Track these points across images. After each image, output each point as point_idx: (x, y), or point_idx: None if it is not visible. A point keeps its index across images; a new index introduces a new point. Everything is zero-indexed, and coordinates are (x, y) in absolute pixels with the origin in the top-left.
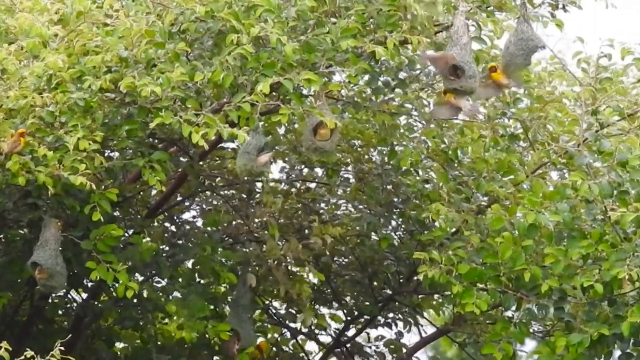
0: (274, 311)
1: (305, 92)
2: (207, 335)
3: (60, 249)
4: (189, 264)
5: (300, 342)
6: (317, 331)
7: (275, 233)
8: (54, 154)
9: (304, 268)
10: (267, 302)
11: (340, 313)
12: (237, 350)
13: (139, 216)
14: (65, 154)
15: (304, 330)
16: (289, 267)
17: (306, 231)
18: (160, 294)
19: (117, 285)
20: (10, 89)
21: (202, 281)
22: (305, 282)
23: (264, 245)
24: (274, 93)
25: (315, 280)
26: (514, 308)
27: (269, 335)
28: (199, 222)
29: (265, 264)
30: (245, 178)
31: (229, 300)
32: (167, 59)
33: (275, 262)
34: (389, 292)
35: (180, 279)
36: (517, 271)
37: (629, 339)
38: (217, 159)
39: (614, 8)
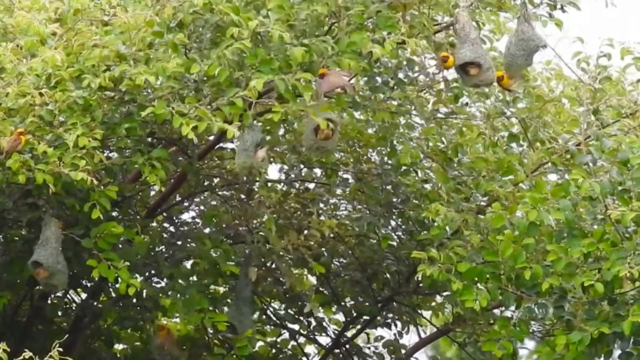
0: (272, 312)
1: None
2: (206, 337)
3: (61, 248)
4: (189, 264)
5: (300, 346)
6: (317, 332)
7: (272, 227)
8: (54, 151)
9: (303, 269)
10: (266, 303)
11: (339, 317)
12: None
13: (138, 216)
14: (65, 152)
15: (308, 320)
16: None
17: (305, 231)
18: (160, 294)
19: (117, 284)
20: (9, 85)
21: (202, 282)
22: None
23: (261, 246)
24: (272, 92)
25: (315, 281)
26: (513, 307)
27: (268, 339)
28: (199, 223)
29: (268, 259)
30: (245, 178)
31: (229, 301)
32: (164, 50)
33: (276, 256)
34: (388, 292)
35: (180, 280)
36: (518, 269)
37: (629, 338)
38: (216, 159)
39: (614, 7)
